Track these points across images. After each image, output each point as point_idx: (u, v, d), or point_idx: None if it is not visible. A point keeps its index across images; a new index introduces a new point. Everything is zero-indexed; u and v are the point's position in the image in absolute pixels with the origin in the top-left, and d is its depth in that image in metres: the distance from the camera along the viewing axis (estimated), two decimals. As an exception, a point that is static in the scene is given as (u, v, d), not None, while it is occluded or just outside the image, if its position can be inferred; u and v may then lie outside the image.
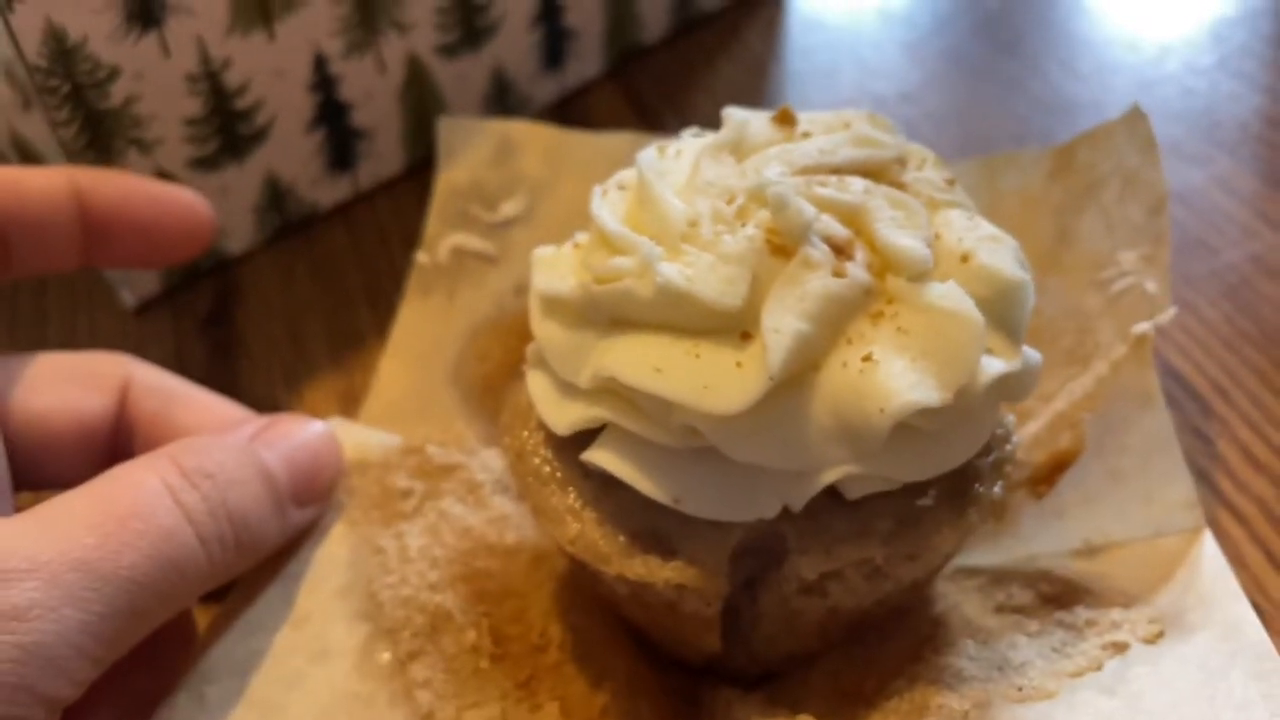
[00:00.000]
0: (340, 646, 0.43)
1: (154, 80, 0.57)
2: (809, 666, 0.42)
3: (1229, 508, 0.51)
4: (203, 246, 0.51)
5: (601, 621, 0.45)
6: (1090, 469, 0.46)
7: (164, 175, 0.60)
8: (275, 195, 0.66)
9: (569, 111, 0.77)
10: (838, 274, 0.36)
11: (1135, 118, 0.53)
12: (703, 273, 0.36)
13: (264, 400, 0.59)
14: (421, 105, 0.69)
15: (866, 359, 0.35)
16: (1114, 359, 0.47)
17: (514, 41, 0.72)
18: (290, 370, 0.61)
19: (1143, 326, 0.46)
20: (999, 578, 0.45)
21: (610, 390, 0.37)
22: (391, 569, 0.45)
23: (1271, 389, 0.56)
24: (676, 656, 0.45)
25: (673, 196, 0.39)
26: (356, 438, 0.49)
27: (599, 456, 0.38)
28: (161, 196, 0.50)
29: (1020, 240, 0.54)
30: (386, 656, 0.43)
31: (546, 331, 0.39)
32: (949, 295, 0.35)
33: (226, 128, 0.62)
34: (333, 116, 0.66)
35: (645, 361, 0.36)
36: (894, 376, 0.34)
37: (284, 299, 0.65)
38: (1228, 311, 0.60)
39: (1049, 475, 0.47)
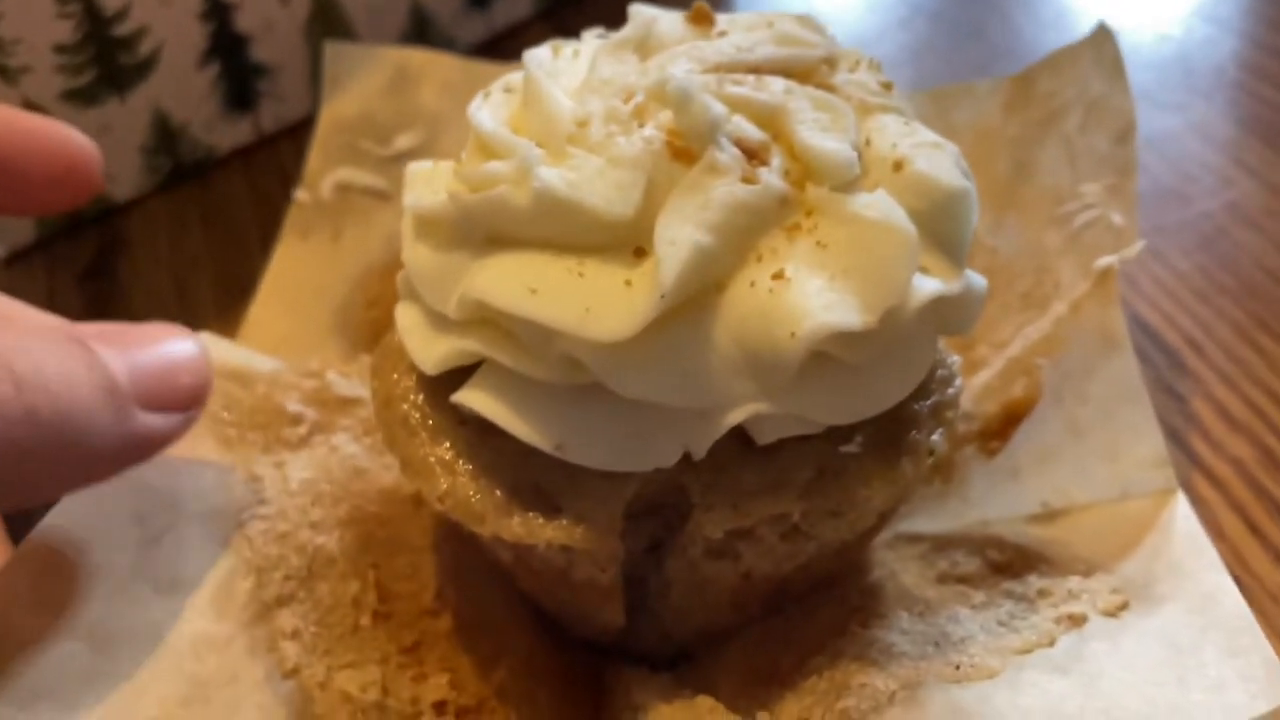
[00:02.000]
0: (194, 577, 0.36)
1: (16, -2, 0.51)
2: (724, 644, 0.37)
3: (1204, 470, 0.46)
4: (85, 194, 0.44)
5: (504, 592, 0.40)
6: (1048, 421, 0.41)
7: (33, 107, 0.54)
8: (165, 136, 0.60)
9: (497, 54, 0.71)
10: (748, 180, 0.31)
11: (1101, 38, 0.48)
12: (589, 178, 0.30)
13: (140, 356, 0.53)
14: (330, 40, 0.63)
15: (778, 277, 0.29)
16: (1074, 298, 0.42)
17: (436, -27, 0.66)
18: (172, 325, 0.55)
19: (1107, 260, 0.41)
20: (943, 544, 0.40)
21: (485, 319, 0.32)
22: (268, 499, 0.39)
23: (1249, 342, 0.52)
24: (581, 634, 0.39)
25: (561, 95, 0.33)
26: (238, 355, 0.43)
27: (471, 398, 0.32)
28: (33, 131, 0.43)
29: (976, 176, 0.49)
30: (249, 597, 0.37)
31: (416, 255, 0.34)
32: (876, 205, 0.30)
33: (104, 56, 0.56)
34: (228, 50, 0.60)
35: (520, 282, 0.30)
36: (809, 296, 0.29)
37: (172, 250, 0.59)
38: (1202, 262, 0.56)
39: (1002, 429, 0.42)
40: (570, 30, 0.73)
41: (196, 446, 0.40)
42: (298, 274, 0.51)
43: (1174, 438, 0.47)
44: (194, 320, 0.55)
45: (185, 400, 0.37)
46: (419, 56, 0.57)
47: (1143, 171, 0.61)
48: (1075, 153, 0.47)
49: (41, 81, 0.54)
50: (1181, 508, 0.39)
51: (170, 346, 0.37)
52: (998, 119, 0.50)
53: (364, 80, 0.55)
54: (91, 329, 0.35)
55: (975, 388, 0.43)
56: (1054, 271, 0.44)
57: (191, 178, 0.63)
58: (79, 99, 0.56)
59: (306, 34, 0.63)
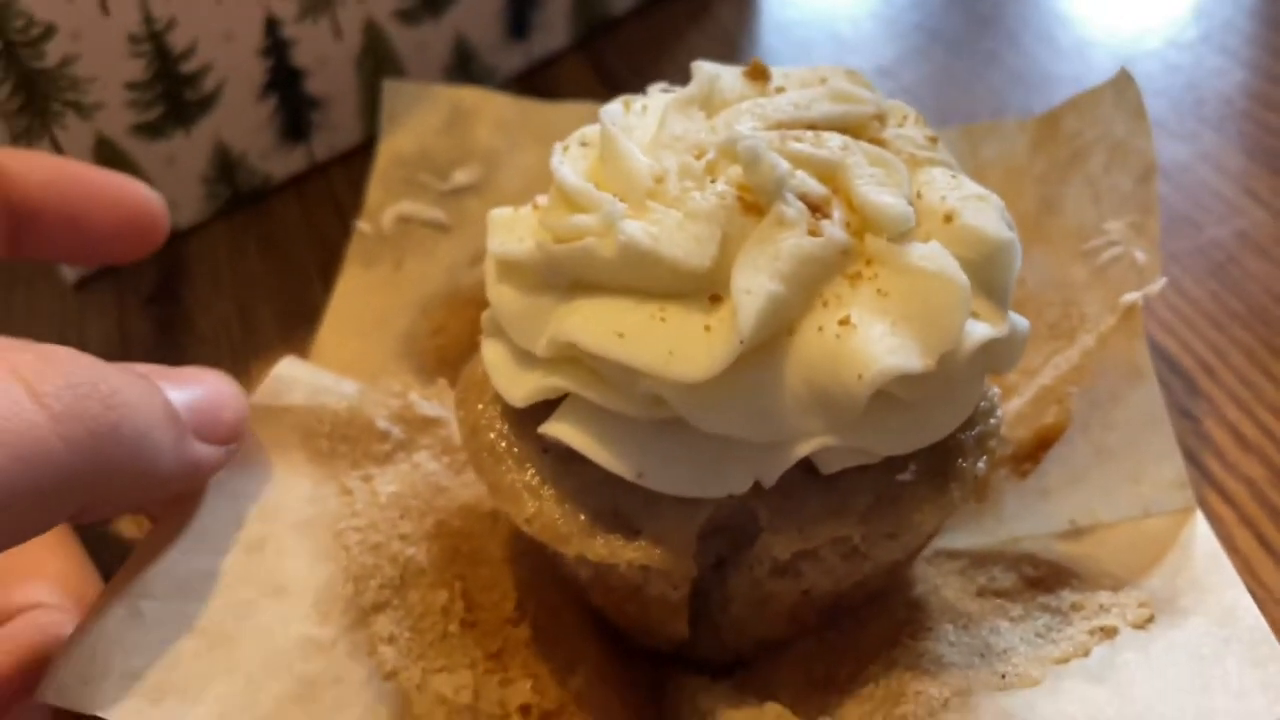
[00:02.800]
0: (299, 584, 0.40)
1: (93, 39, 0.54)
2: (780, 653, 0.40)
3: (1217, 489, 0.49)
4: (150, 245, 0.47)
5: (574, 605, 0.43)
6: (1076, 446, 0.44)
7: (104, 141, 0.57)
8: (225, 165, 0.63)
9: (535, 83, 0.75)
10: (813, 233, 0.33)
11: (1123, 83, 0.51)
12: (669, 231, 0.33)
13: (210, 378, 0.56)
14: (380, 73, 0.66)
15: (844, 322, 0.32)
16: (1101, 331, 0.45)
17: (477, 9, 0.69)
18: (239, 349, 0.58)
19: (1132, 296, 0.44)
20: (981, 560, 0.42)
21: (570, 358, 0.35)
22: (359, 512, 0.42)
23: (1259, 367, 0.54)
24: (643, 643, 0.42)
25: (638, 151, 0.36)
26: (327, 376, 0.46)
27: (558, 429, 0.35)
28: (103, 186, 0.45)
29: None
30: (348, 603, 0.40)
31: (502, 296, 0.37)
32: (931, 256, 0.33)
33: (172, 93, 0.59)
34: (285, 83, 0.63)
35: (607, 326, 0.33)
36: (873, 341, 0.32)
37: (233, 275, 0.62)
38: (1214, 289, 0.58)
39: (1033, 453, 0.45)
40: (603, 61, 0.77)
41: (291, 458, 0.43)
42: (362, 301, 0.54)
43: (1190, 457, 0.50)
44: (257, 340, 0.58)
45: (228, 434, 0.40)
46: (472, 95, 0.60)
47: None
48: (1099, 191, 0.50)
49: (113, 117, 0.57)
50: (1200, 526, 0.41)
51: (214, 382, 0.41)
52: (1025, 157, 0.53)
53: (421, 117, 0.58)
54: (142, 369, 0.39)
55: (1009, 413, 0.46)
56: (1080, 304, 0.47)
57: (249, 204, 0.66)
58: (147, 133, 0.59)
59: (358, 67, 0.65)
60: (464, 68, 0.70)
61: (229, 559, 0.39)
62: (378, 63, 0.66)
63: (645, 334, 0.33)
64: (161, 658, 0.36)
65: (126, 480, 0.35)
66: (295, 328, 0.59)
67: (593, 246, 0.34)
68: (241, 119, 0.62)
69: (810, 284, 0.33)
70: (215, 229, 0.65)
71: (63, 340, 0.57)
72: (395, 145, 0.58)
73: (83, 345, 0.57)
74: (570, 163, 0.37)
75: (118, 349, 0.58)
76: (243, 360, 0.57)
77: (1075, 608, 0.39)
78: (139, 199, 0.46)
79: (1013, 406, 0.46)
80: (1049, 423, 0.45)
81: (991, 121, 0.55)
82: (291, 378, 0.45)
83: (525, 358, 0.36)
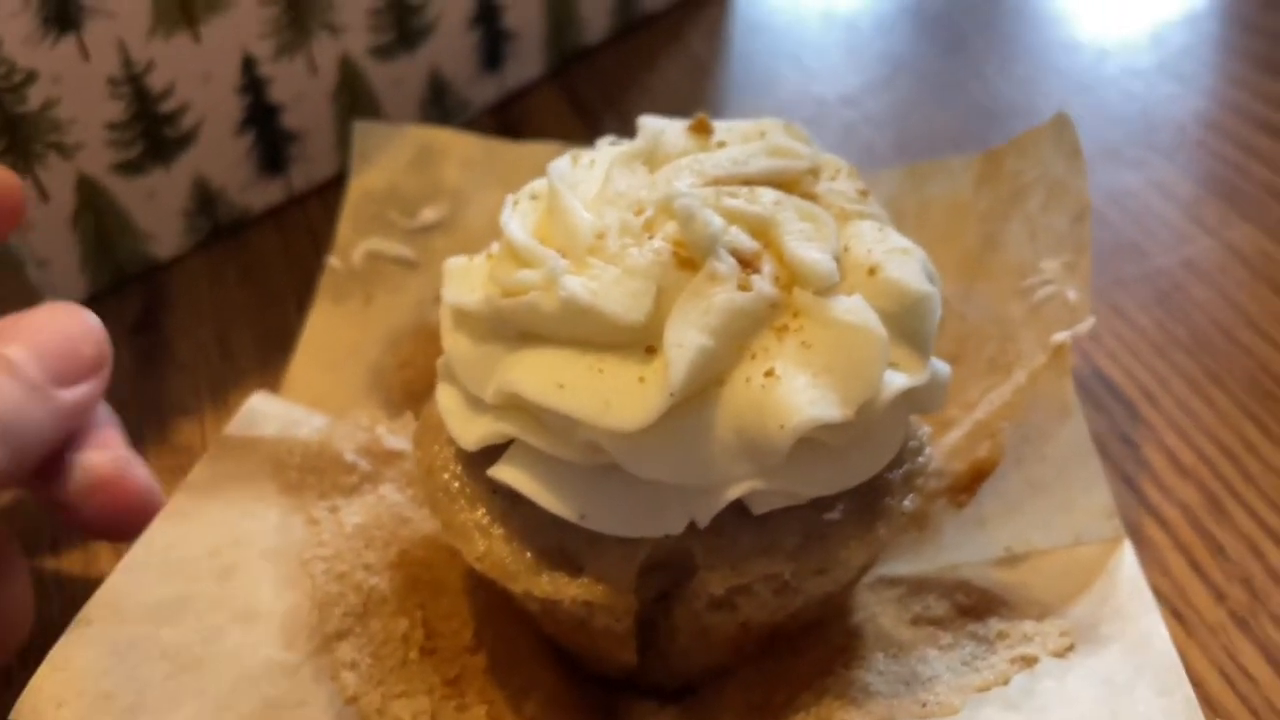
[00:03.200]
0: (267, 610, 0.42)
1: (73, 84, 0.56)
2: (725, 680, 0.42)
3: (1153, 514, 0.51)
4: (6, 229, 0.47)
5: (529, 634, 0.45)
6: (1010, 479, 0.46)
7: (86, 179, 0.59)
8: (205, 199, 0.65)
9: (509, 114, 0.77)
10: (743, 287, 0.36)
11: (1061, 124, 0.53)
12: (607, 286, 0.36)
13: (190, 409, 0.58)
14: (355, 108, 0.69)
15: (769, 374, 0.35)
16: (1033, 369, 0.47)
17: (451, 43, 0.71)
18: (218, 378, 0.60)
19: (1061, 336, 0.46)
20: (918, 587, 0.45)
21: (516, 405, 0.37)
22: (325, 541, 0.44)
23: (1200, 394, 0.56)
24: (596, 670, 0.44)
25: (581, 208, 0.38)
26: (298, 410, 0.48)
27: (504, 473, 0.37)
28: None
29: (947, 247, 0.54)
30: (313, 629, 0.42)
31: (455, 344, 0.39)
32: (854, 310, 0.35)
33: (151, 131, 0.61)
34: (263, 119, 0.65)
35: (548, 377, 0.35)
36: (795, 392, 0.34)
37: (213, 304, 0.64)
38: (1159, 316, 0.61)
39: (969, 484, 0.47)
40: (577, 92, 0.79)
41: (262, 488, 0.45)
42: (332, 336, 0.56)
43: (1127, 483, 0.52)
44: (236, 368, 0.60)
45: (92, 366, 0.43)
46: (442, 135, 0.62)
47: (1104, 226, 0.67)
48: (1036, 229, 0.52)
49: (94, 156, 0.59)
50: (1127, 555, 0.44)
51: (66, 323, 0.43)
52: (969, 194, 0.56)
53: (390, 156, 0.60)
54: None
55: (946, 446, 0.48)
56: (1016, 340, 0.49)
57: (228, 236, 0.68)
58: (127, 170, 0.61)
59: (333, 102, 0.68)
60: (438, 101, 0.73)
61: (200, 585, 0.41)
62: (353, 97, 0.68)
63: (584, 385, 0.35)
64: (133, 681, 0.38)
65: (4, 461, 0.39)
66: (273, 354, 0.61)
67: (536, 301, 0.36)
68: (220, 154, 0.64)
69: (739, 337, 0.35)
70: (196, 260, 0.67)
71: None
72: (365, 183, 0.60)
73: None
74: (520, 217, 0.39)
75: (100, 380, 0.60)
76: (221, 388, 0.60)
77: (1000, 636, 0.41)
78: None
79: (950, 440, 0.48)
80: (982, 456, 0.47)
81: (936, 160, 0.58)
82: (264, 411, 0.47)
83: (476, 403, 0.38)
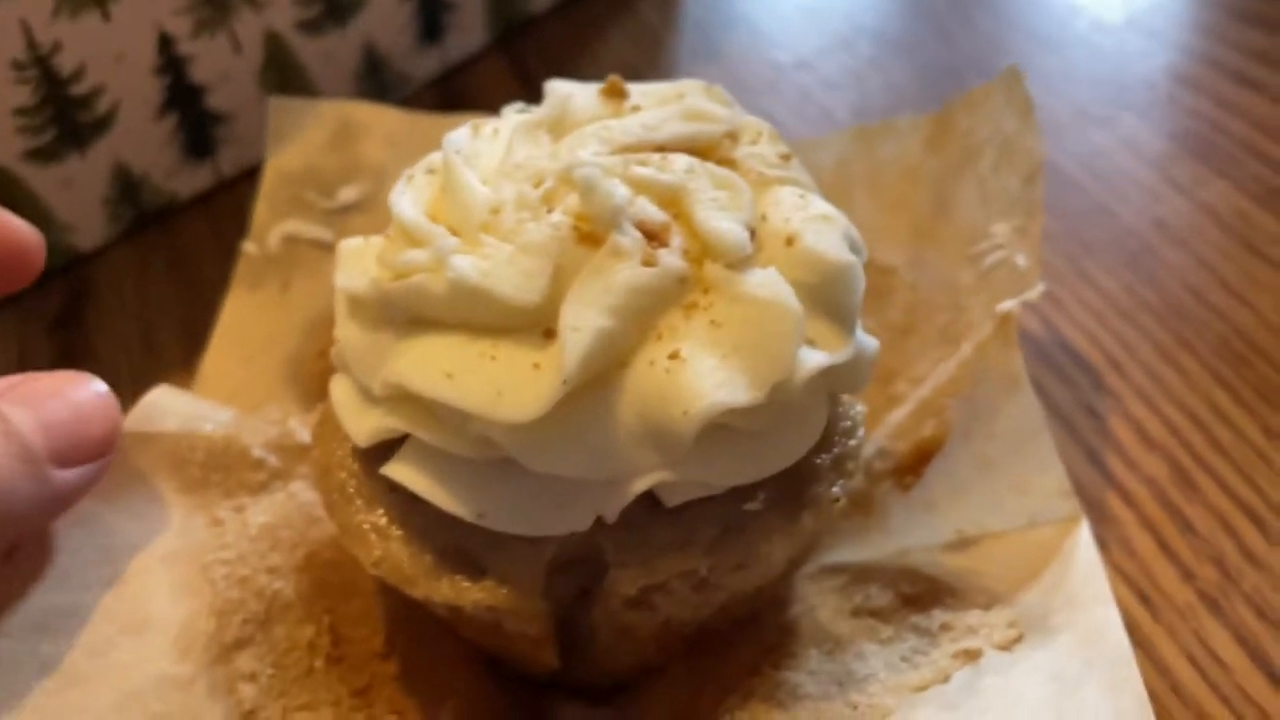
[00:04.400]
0: (161, 620, 0.39)
1: (-28, 69, 0.53)
2: (655, 679, 0.40)
3: (1118, 489, 0.48)
4: (22, 281, 0.44)
5: (448, 637, 0.42)
6: (958, 458, 0.43)
7: (-3, 170, 0.56)
8: (127, 186, 0.62)
9: (451, 87, 0.74)
10: (648, 262, 0.33)
11: (1012, 79, 0.50)
12: (499, 266, 0.33)
13: (107, 407, 0.55)
14: (285, 86, 0.65)
15: (674, 356, 0.32)
16: (979, 340, 0.44)
17: (385, 15, 0.68)
18: (139, 373, 0.57)
19: (1007, 305, 0.43)
20: (862, 575, 0.42)
21: (406, 398, 0.34)
22: (228, 544, 0.41)
23: (1169, 361, 0.54)
24: (522, 671, 0.42)
25: (476, 182, 0.35)
26: (201, 406, 0.45)
27: (397, 471, 0.35)
28: None
29: (898, 213, 0.51)
30: (210, 639, 0.39)
31: (346, 333, 0.36)
32: (766, 284, 0.32)
33: (63, 116, 0.58)
34: (185, 101, 0.62)
35: (436, 366, 0.33)
36: (701, 376, 0.31)
37: (138, 297, 0.61)
38: (1127, 280, 0.58)
39: (914, 465, 0.44)
40: (523, 64, 0.76)
41: (159, 488, 0.42)
42: (248, 325, 0.53)
43: (1091, 457, 0.50)
44: (160, 366, 0.57)
45: (98, 450, 0.38)
46: (362, 110, 0.59)
47: (1073, 188, 0.64)
48: (988, 192, 0.49)
49: (3, 144, 0.56)
50: (1084, 536, 0.41)
51: (79, 395, 0.39)
52: (919, 155, 0.53)
53: (308, 134, 0.57)
54: (1, 385, 0.37)
55: (891, 425, 0.45)
56: (967, 310, 0.47)
57: (155, 225, 0.65)
58: (40, 158, 0.58)
59: (260, 81, 0.64)
60: (375, 76, 0.69)
61: (90, 595, 0.38)
62: (282, 75, 0.65)
63: (474, 374, 0.32)
64: (11, 698, 0.35)
65: None
66: (199, 349, 0.57)
67: (424, 283, 0.33)
68: (140, 139, 0.61)
69: (643, 316, 0.33)
70: (120, 251, 0.64)
71: (-39, 371, 0.57)
72: (281, 163, 0.57)
73: (-19, 375, 0.57)
74: (413, 192, 0.36)
75: (18, 379, 0.57)
76: (143, 385, 0.56)
77: (944, 628, 0.38)
78: (10, 230, 0.44)
79: (895, 418, 0.45)
80: (928, 435, 0.44)
81: (886, 120, 0.54)
82: (164, 405, 0.44)
83: (368, 396, 0.35)
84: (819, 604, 0.40)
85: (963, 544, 0.43)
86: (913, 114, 0.55)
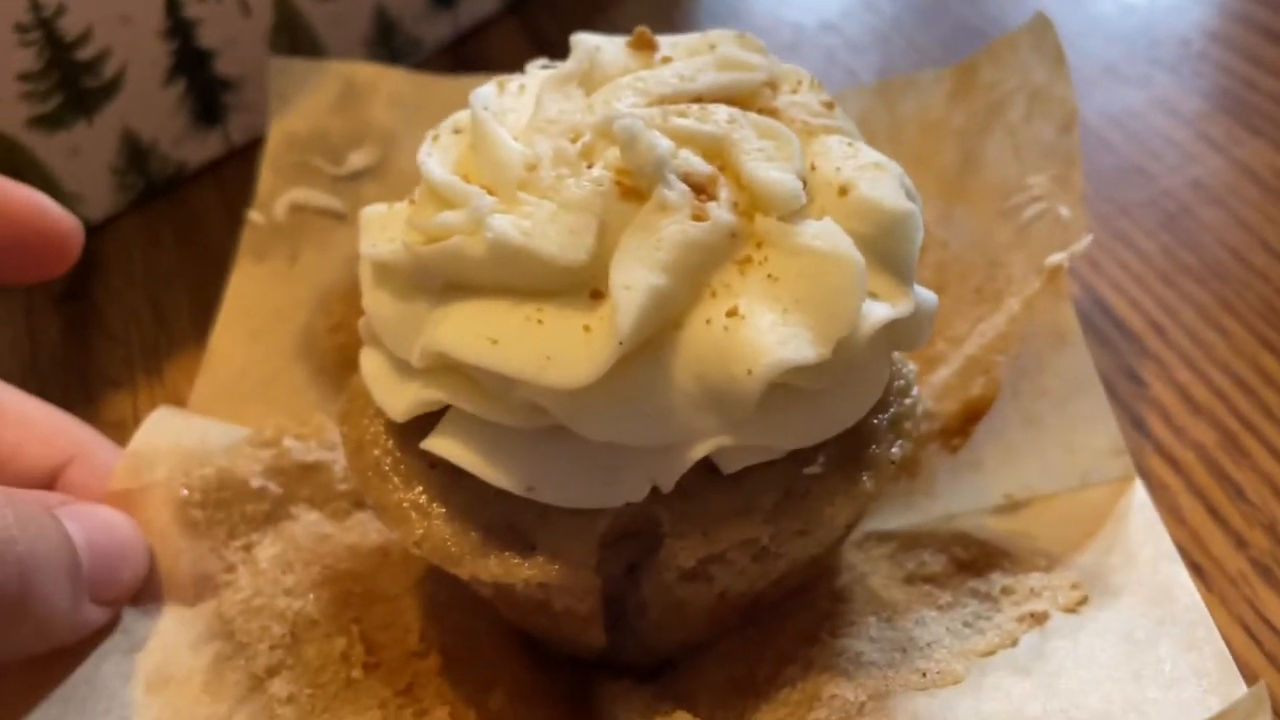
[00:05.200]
0: (185, 672, 0.37)
1: (-25, 33, 0.51)
2: (704, 654, 0.38)
3: (1165, 456, 0.47)
4: (55, 269, 0.44)
5: (486, 620, 0.40)
6: (1007, 417, 0.42)
7: (2, 137, 0.55)
8: (135, 154, 0.61)
9: (464, 53, 0.72)
10: (697, 217, 0.31)
11: (1040, 26, 0.48)
12: (541, 224, 0.31)
13: (121, 381, 0.54)
14: (295, 51, 0.63)
15: (732, 313, 0.30)
16: (1027, 295, 0.42)
17: (396, -23, 0.66)
18: (150, 346, 0.56)
19: (1057, 257, 0.42)
20: (911, 541, 0.41)
21: (447, 367, 0.32)
22: (241, 586, 0.40)
23: (1212, 324, 0.52)
24: (566, 651, 0.40)
25: (508, 138, 0.34)
26: (195, 428, 0.43)
27: (440, 445, 0.33)
28: (6, 200, 0.41)
29: (923, 168, 0.49)
30: (241, 673, 0.38)
31: (377, 303, 0.34)
32: (824, 234, 0.31)
33: (69, 81, 0.56)
34: (193, 65, 0.60)
35: (479, 332, 0.31)
36: (763, 332, 0.30)
37: (147, 269, 0.60)
38: (1166, 242, 0.56)
39: (962, 426, 0.43)
40: (537, 27, 0.74)
41: (166, 535, 0.40)
42: (256, 299, 0.51)
43: (1136, 424, 0.48)
44: (171, 339, 0.56)
45: (122, 594, 0.38)
46: (366, 70, 0.57)
47: (1106, 149, 0.62)
48: (1020, 143, 0.47)
49: (7, 111, 0.55)
50: (1139, 495, 0.39)
51: (124, 534, 0.38)
52: (943, 109, 0.51)
53: (312, 96, 0.55)
54: (53, 498, 0.36)
55: (935, 385, 0.44)
56: (1005, 266, 0.45)
57: (163, 194, 0.63)
58: (46, 124, 0.56)
59: (270, 45, 0.63)
60: (386, 41, 0.68)
61: (108, 663, 0.37)
62: (292, 39, 0.63)
63: (520, 338, 0.30)
64: None
65: (12, 640, 0.33)
66: (211, 320, 0.56)
67: (461, 245, 0.31)
68: (148, 105, 0.60)
69: (696, 273, 0.31)
70: (129, 221, 0.62)
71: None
72: (286, 128, 0.55)
73: (-10, 350, 0.56)
74: (440, 153, 0.35)
75: (26, 352, 0.56)
76: (155, 358, 0.55)
77: (1005, 592, 0.37)
78: (40, 215, 0.42)
79: (939, 377, 0.44)
80: (976, 394, 0.43)
81: (907, 75, 0.53)
82: (151, 449, 0.42)
83: (403, 368, 0.34)
84: (869, 571, 0.39)
85: (1012, 507, 0.42)
86: (908, 74, 0.54)
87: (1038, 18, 0.48)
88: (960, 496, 0.43)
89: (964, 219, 0.48)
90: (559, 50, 0.71)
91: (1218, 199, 0.58)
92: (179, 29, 0.59)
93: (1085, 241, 0.42)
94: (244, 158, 0.65)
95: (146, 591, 0.39)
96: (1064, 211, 0.44)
